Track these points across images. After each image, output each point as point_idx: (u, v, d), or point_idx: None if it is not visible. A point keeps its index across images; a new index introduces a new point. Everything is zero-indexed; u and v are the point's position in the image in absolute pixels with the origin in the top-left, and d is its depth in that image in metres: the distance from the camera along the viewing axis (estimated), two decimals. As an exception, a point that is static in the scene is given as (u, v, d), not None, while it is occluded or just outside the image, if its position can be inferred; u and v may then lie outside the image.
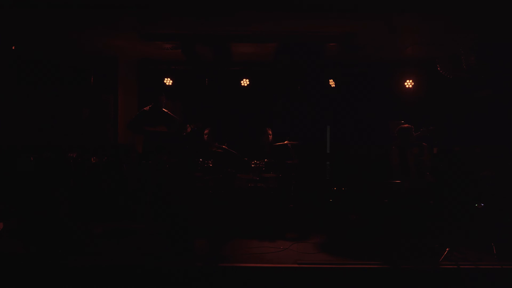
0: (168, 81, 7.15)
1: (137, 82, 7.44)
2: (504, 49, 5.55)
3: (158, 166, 5.53)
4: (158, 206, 5.45)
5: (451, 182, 5.14)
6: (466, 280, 4.05)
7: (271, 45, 6.44)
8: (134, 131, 6.05)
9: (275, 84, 7.44)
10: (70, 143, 6.62)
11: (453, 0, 4.75)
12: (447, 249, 4.40)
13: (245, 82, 7.11)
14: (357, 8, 4.93)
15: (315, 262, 4.23)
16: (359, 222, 4.93)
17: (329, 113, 7.51)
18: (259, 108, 7.53)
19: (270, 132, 6.66)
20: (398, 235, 4.66)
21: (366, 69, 7.29)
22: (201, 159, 5.83)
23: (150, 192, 5.62)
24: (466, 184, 5.15)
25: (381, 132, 6.81)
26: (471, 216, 4.92)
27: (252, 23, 5.52)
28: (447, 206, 4.89)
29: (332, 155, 7.52)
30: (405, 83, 6.84)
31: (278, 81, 7.42)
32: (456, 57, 5.75)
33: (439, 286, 4.06)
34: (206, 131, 6.40)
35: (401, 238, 4.64)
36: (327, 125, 7.61)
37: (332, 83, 7.10)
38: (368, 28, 5.58)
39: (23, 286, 3.96)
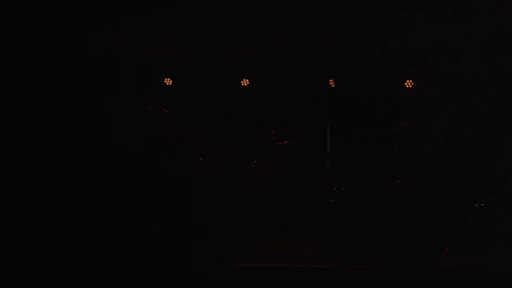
0: (168, 81, 7.14)
1: (137, 82, 7.43)
2: (502, 49, 5.56)
3: (158, 166, 5.53)
4: (157, 206, 5.44)
5: (451, 182, 5.14)
6: (466, 280, 4.05)
7: (271, 45, 6.44)
8: (140, 131, 6.05)
9: (275, 83, 7.43)
10: (70, 143, 6.61)
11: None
12: (447, 249, 4.40)
13: (245, 82, 7.11)
14: (357, 8, 4.93)
15: (315, 262, 4.23)
16: (359, 222, 4.93)
17: (329, 113, 7.50)
18: (259, 108, 7.52)
19: (273, 133, 6.68)
20: (398, 235, 4.66)
21: (366, 69, 7.28)
22: (201, 159, 5.83)
23: (150, 192, 5.61)
24: (466, 184, 5.15)
25: (381, 132, 6.81)
26: (470, 216, 4.92)
27: (252, 23, 5.52)
28: (447, 206, 4.89)
29: (332, 155, 7.51)
30: (405, 83, 6.83)
31: (278, 81, 7.42)
32: (455, 57, 5.76)
33: (439, 286, 4.06)
34: (202, 131, 6.39)
35: (401, 238, 4.64)
36: (327, 125, 7.60)
37: (332, 83, 7.10)
38: (368, 28, 5.58)
39: (23, 286, 3.96)
